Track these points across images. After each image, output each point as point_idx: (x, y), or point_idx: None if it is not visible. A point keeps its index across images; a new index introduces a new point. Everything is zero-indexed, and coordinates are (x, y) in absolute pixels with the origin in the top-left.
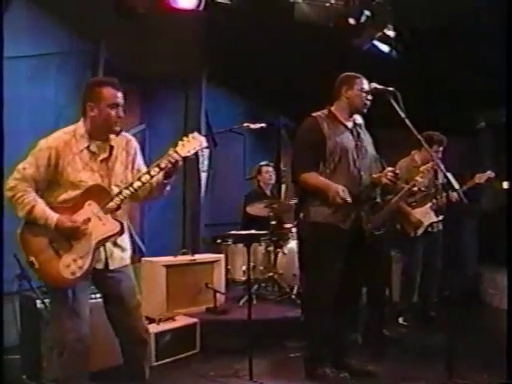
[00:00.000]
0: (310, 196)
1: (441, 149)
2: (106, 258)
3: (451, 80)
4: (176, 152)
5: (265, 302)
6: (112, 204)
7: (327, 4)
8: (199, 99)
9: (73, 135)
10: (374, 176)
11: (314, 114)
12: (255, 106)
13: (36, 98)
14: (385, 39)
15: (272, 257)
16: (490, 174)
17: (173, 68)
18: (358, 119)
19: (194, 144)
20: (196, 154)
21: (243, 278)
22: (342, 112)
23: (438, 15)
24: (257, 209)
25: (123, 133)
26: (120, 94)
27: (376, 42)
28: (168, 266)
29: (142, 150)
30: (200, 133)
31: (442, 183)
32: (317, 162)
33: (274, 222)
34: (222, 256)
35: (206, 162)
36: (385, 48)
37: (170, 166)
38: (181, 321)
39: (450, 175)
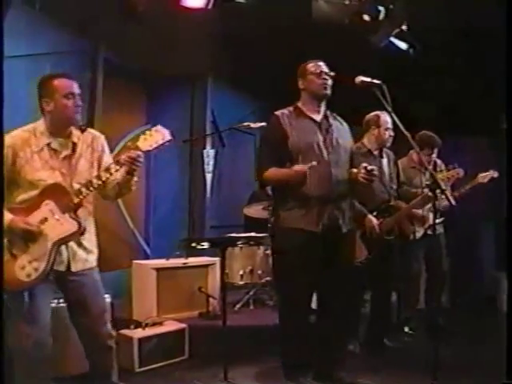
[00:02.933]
0: (281, 200)
1: (435, 150)
2: (69, 260)
3: (475, 79)
4: (137, 147)
5: (262, 307)
6: (70, 203)
7: (346, 2)
8: (205, 98)
9: (32, 133)
10: (352, 171)
11: (276, 112)
12: (268, 105)
13: (32, 97)
14: (402, 36)
15: (270, 260)
16: (493, 173)
17: (178, 67)
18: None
19: (156, 138)
20: (201, 154)
21: (241, 283)
22: (307, 105)
23: (459, 14)
24: (253, 210)
25: (90, 129)
26: (75, 84)
27: (393, 39)
28: (158, 269)
29: None
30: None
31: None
32: (280, 160)
33: (271, 225)
34: (216, 259)
35: (211, 163)
36: (402, 45)
37: (130, 161)
38: (169, 326)
39: (437, 176)
